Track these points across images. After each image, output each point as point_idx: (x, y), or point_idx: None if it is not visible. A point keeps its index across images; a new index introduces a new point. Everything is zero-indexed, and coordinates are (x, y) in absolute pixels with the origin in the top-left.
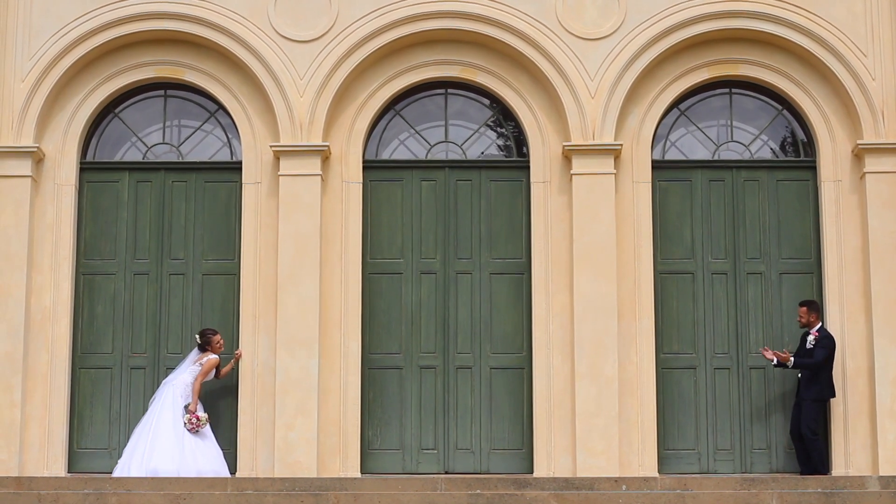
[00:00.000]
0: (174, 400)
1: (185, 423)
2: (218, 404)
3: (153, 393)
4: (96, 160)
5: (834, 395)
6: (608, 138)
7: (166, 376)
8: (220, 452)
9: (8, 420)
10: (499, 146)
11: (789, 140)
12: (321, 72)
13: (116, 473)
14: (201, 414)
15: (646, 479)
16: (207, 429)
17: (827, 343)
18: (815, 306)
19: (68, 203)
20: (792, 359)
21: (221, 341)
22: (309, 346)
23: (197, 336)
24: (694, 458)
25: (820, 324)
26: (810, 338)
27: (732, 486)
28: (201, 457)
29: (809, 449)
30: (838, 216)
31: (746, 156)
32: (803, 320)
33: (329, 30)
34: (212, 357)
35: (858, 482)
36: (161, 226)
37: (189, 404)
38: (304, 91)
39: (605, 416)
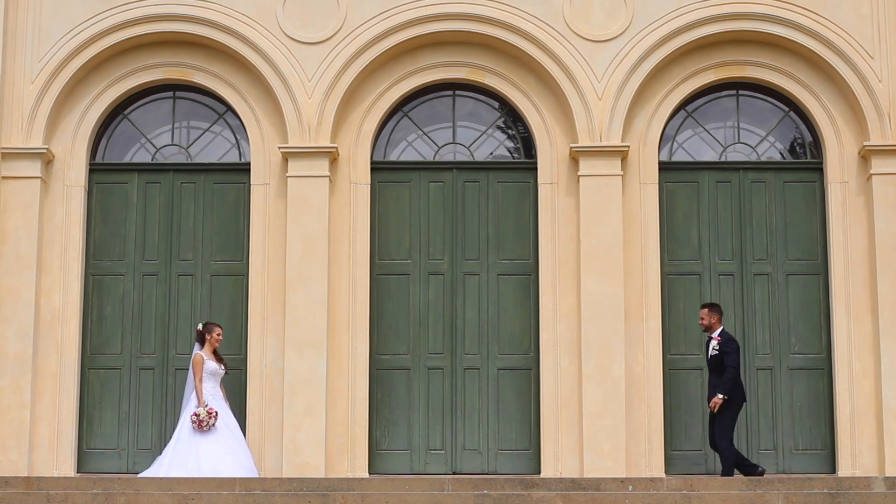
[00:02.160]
0: (186, 405)
1: (193, 427)
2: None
3: (162, 393)
4: (105, 161)
5: (745, 399)
6: (615, 140)
7: (175, 377)
8: (232, 447)
9: (17, 420)
10: (506, 148)
11: (796, 142)
12: (329, 73)
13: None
14: (199, 410)
15: (652, 480)
16: (221, 425)
17: (733, 347)
18: (716, 308)
19: (77, 204)
20: (720, 396)
21: (216, 337)
22: (317, 346)
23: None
24: (701, 458)
25: (721, 327)
26: (713, 343)
27: (738, 486)
28: (205, 459)
29: (724, 455)
30: (845, 218)
31: (753, 157)
32: (704, 322)
33: (337, 32)
34: (196, 354)
35: (864, 483)
36: (170, 227)
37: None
38: (312, 93)
39: (612, 417)
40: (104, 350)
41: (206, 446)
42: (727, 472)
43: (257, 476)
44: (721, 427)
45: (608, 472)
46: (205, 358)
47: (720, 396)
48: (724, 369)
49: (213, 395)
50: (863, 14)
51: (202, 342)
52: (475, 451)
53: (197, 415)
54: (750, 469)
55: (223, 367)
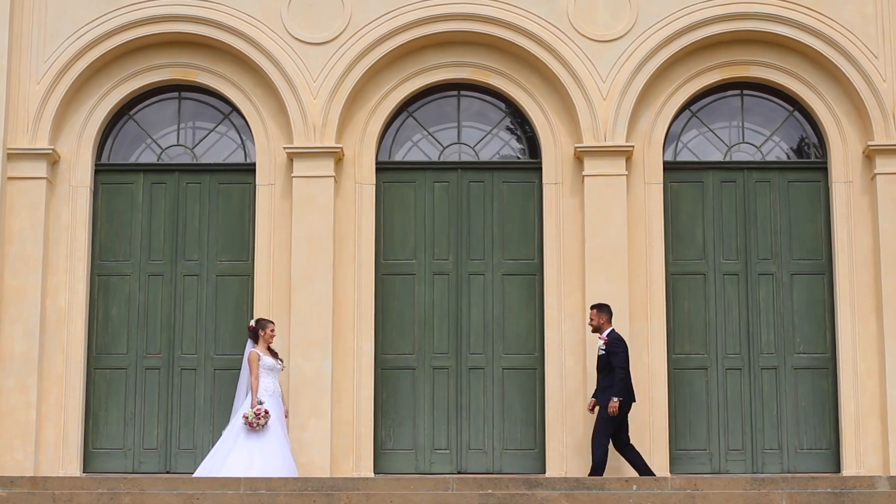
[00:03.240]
0: (239, 403)
1: (245, 427)
2: (232, 405)
3: (168, 393)
4: (111, 162)
5: (634, 400)
6: (620, 140)
7: (181, 377)
8: (280, 450)
9: (23, 420)
10: (511, 148)
11: (801, 141)
12: (334, 74)
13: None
14: (248, 412)
15: (656, 480)
16: (275, 423)
17: (620, 348)
18: (605, 309)
19: (83, 205)
20: (615, 399)
21: (269, 333)
22: (322, 346)
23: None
24: (705, 458)
25: (611, 328)
26: (600, 343)
27: (742, 486)
28: (260, 459)
29: (596, 454)
30: (849, 217)
31: (758, 157)
32: (594, 323)
33: (342, 32)
34: (251, 351)
35: (868, 482)
36: (175, 227)
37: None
38: (317, 93)
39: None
40: (110, 350)
41: (259, 446)
42: (596, 471)
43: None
44: (600, 423)
45: (612, 472)
46: (260, 354)
47: (616, 400)
48: (612, 370)
49: (273, 392)
50: (867, 14)
51: (255, 339)
52: (480, 451)
53: (246, 416)
54: (644, 469)
55: (280, 363)
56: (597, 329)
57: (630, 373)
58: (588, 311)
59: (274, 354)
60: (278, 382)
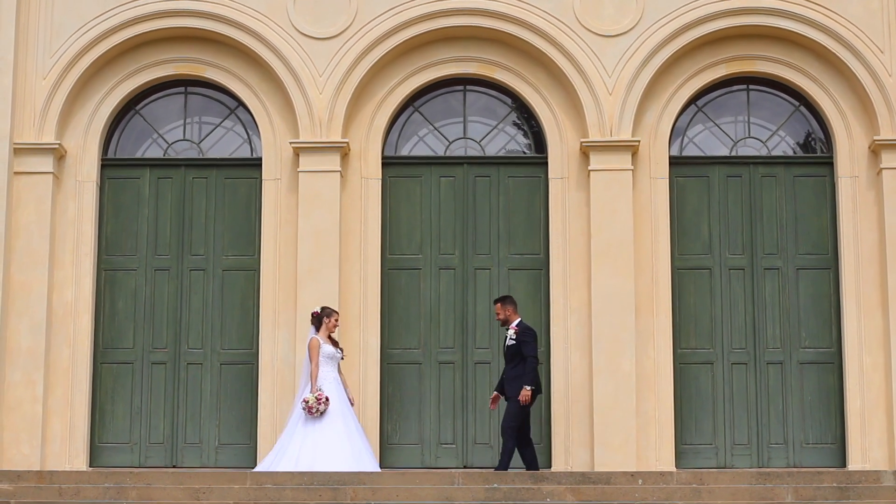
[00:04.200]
0: (301, 391)
1: (305, 414)
2: (239, 399)
3: (174, 387)
4: (117, 157)
5: (541, 391)
6: (626, 134)
7: (187, 372)
8: (343, 435)
9: (30, 414)
10: (517, 143)
11: (806, 136)
12: (340, 69)
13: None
14: (308, 396)
15: (662, 474)
16: (335, 411)
17: (531, 336)
18: (509, 300)
19: (89, 199)
20: (528, 388)
21: (333, 322)
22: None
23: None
24: (711, 452)
25: (519, 318)
26: (510, 332)
27: (748, 480)
28: (313, 448)
29: (506, 446)
30: (855, 212)
31: (764, 152)
32: (500, 316)
33: (348, 27)
34: (311, 338)
35: (874, 477)
36: (181, 222)
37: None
38: (323, 88)
39: (622, 411)
40: (116, 345)
41: (316, 434)
42: (504, 464)
43: (370, 467)
44: (509, 414)
45: (618, 466)
46: (321, 342)
47: (528, 388)
48: (523, 359)
49: (332, 380)
50: (873, 9)
51: (318, 326)
52: (486, 445)
53: (306, 401)
54: (532, 462)
55: (340, 352)
56: (505, 322)
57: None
58: (592, 305)
59: (334, 343)
60: (338, 371)
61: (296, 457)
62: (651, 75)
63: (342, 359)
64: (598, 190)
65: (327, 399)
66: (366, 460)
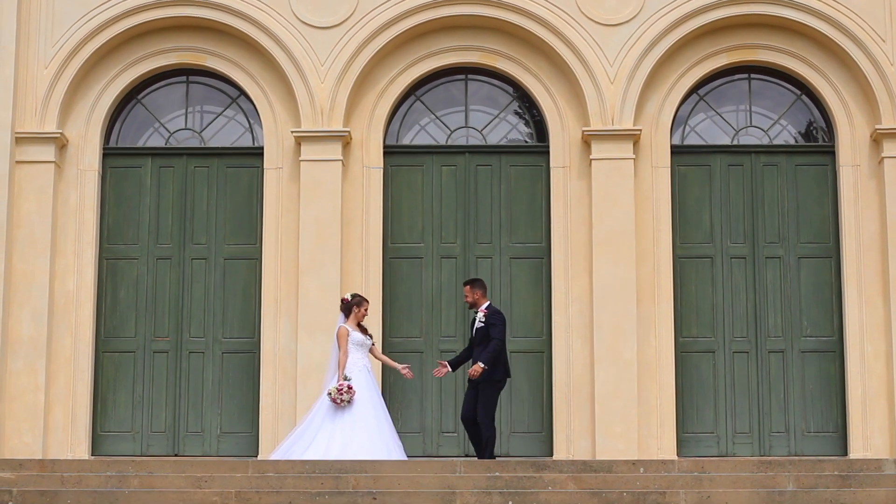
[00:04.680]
0: (329, 379)
1: (331, 404)
2: (241, 388)
3: (176, 376)
4: (119, 146)
5: (510, 376)
6: (627, 123)
7: (189, 360)
8: (365, 427)
9: (32, 403)
10: (519, 132)
11: (808, 125)
12: (342, 58)
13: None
14: (331, 388)
15: (663, 462)
16: (363, 400)
17: (499, 320)
18: (478, 284)
19: (91, 188)
20: (481, 365)
21: (363, 310)
22: (330, 330)
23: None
24: (713, 441)
25: (488, 301)
26: (480, 315)
27: (749, 468)
28: (340, 438)
29: (486, 435)
30: (857, 201)
31: (765, 141)
32: (469, 299)
33: (350, 16)
34: (340, 327)
35: (875, 465)
36: (183, 211)
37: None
38: (325, 77)
39: (624, 400)
40: (118, 334)
41: (345, 425)
42: (490, 452)
43: (397, 456)
44: (483, 404)
45: (620, 455)
46: (350, 330)
47: (481, 365)
48: (490, 342)
49: (362, 368)
50: None
51: (347, 314)
52: None
53: (329, 393)
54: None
55: (370, 339)
56: (473, 304)
57: (506, 348)
58: (593, 293)
59: (363, 330)
60: (368, 358)
61: (325, 446)
62: (653, 64)
63: (372, 345)
64: (600, 179)
65: (349, 388)
66: (393, 449)
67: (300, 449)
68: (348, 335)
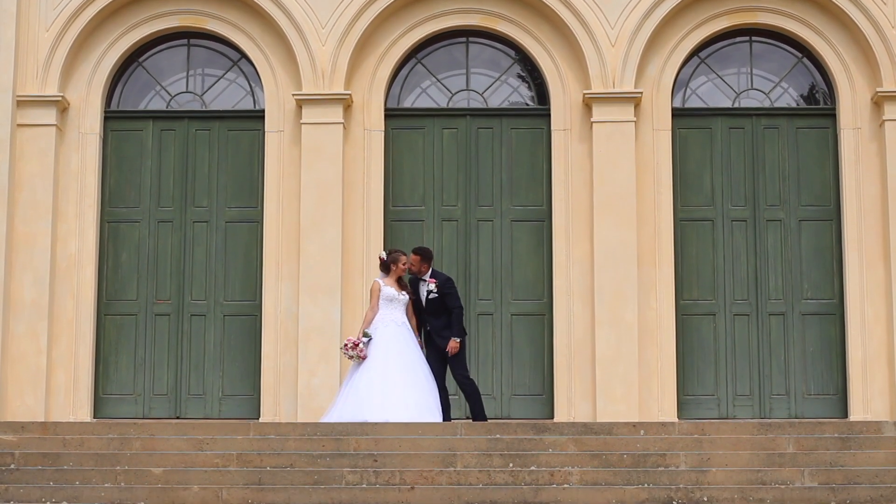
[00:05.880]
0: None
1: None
2: (242, 351)
3: (177, 339)
4: (120, 109)
5: (466, 333)
6: (628, 86)
7: (190, 323)
8: (376, 383)
9: (34, 366)
10: (520, 94)
11: (809, 88)
12: (343, 20)
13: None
14: (349, 340)
15: (664, 425)
16: (374, 356)
17: (452, 286)
18: (427, 253)
19: (93, 152)
20: (457, 340)
21: (402, 266)
22: (331, 292)
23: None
24: (713, 403)
25: (431, 269)
26: (431, 287)
27: (749, 431)
28: (344, 397)
29: (471, 393)
30: (857, 164)
31: (766, 104)
32: (414, 268)
33: None
34: (374, 281)
35: (875, 427)
36: (185, 174)
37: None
38: (326, 40)
39: (624, 363)
40: (120, 296)
41: (351, 382)
42: (480, 411)
43: (402, 415)
44: (454, 366)
45: (620, 417)
46: (382, 285)
47: (457, 340)
48: (447, 311)
49: (389, 322)
50: None
51: (387, 271)
52: (489, 396)
53: (345, 344)
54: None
55: (404, 294)
56: (417, 273)
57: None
58: (594, 256)
59: (401, 286)
60: (402, 314)
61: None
62: (654, 27)
63: (407, 300)
64: (601, 142)
65: (355, 345)
66: (396, 408)
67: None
68: (380, 290)
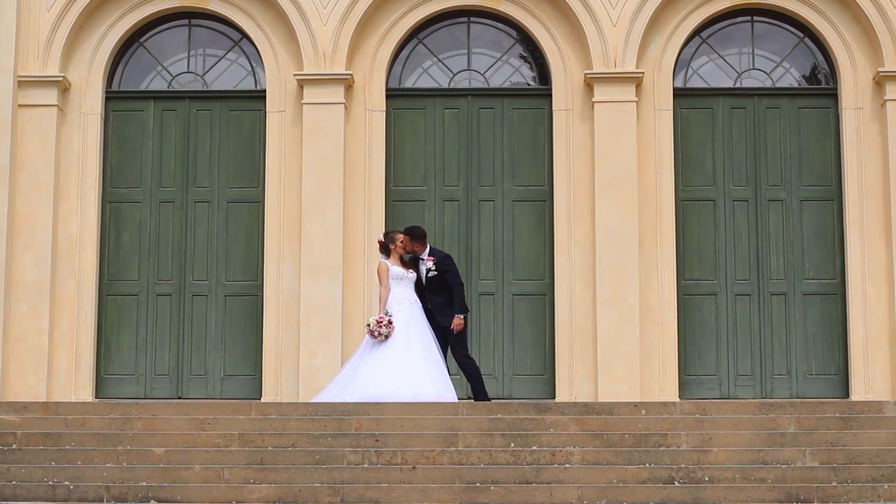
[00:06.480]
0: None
1: (369, 338)
2: (244, 331)
3: (179, 319)
4: (122, 89)
5: (469, 310)
6: (630, 66)
7: (192, 303)
8: (402, 360)
9: (36, 346)
10: (521, 74)
11: (811, 68)
12: (344, 0)
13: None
14: (370, 319)
15: (665, 405)
16: (396, 335)
17: (452, 262)
18: (419, 232)
19: (94, 132)
20: (460, 316)
21: (399, 245)
22: (333, 272)
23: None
24: (715, 383)
25: (427, 247)
26: (430, 265)
27: (751, 410)
28: (368, 374)
29: (472, 373)
30: (859, 144)
31: (768, 84)
32: (408, 248)
33: None
34: (380, 263)
35: (876, 407)
36: (186, 154)
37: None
38: (327, 20)
39: (626, 343)
40: (121, 277)
41: (374, 360)
42: (482, 391)
43: (429, 395)
44: (454, 344)
45: (622, 397)
46: (389, 265)
47: (460, 317)
48: (448, 287)
49: (403, 301)
50: None
51: (387, 252)
52: (490, 377)
53: (368, 324)
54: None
55: (412, 272)
56: (412, 252)
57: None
58: (596, 236)
59: (406, 265)
60: (412, 292)
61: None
62: (655, 7)
63: (415, 277)
64: (602, 122)
65: (390, 322)
66: (425, 386)
67: (338, 389)
68: (388, 270)
